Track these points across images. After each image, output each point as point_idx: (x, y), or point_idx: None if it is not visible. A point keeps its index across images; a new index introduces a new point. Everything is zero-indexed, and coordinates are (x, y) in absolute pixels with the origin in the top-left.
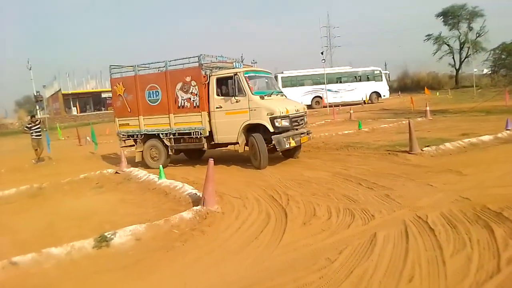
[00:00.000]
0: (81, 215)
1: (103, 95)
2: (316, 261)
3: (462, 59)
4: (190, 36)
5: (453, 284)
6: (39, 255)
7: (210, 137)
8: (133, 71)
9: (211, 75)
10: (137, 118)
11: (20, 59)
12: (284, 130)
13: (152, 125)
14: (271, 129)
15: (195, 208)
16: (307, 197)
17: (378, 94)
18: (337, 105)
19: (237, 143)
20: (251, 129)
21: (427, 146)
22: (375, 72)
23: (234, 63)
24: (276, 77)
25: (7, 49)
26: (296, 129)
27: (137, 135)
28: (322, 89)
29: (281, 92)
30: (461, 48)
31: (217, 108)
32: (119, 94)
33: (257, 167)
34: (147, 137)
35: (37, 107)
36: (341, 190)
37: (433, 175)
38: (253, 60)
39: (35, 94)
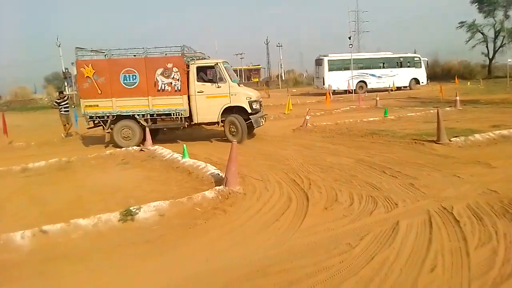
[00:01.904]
0: (107, 189)
1: None
2: (336, 246)
3: (497, 48)
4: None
5: (476, 276)
6: (67, 225)
7: (189, 117)
8: (105, 54)
9: (191, 64)
10: (110, 100)
11: (50, 36)
12: (257, 111)
13: (126, 107)
14: (249, 111)
15: (217, 187)
16: (329, 182)
17: (417, 81)
18: (380, 91)
19: (216, 122)
20: (227, 111)
21: (456, 136)
22: (415, 58)
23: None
24: (321, 60)
25: (38, 25)
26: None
27: (107, 116)
28: (367, 73)
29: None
30: (495, 37)
31: (198, 92)
32: (87, 76)
33: (238, 142)
34: (119, 118)
35: (65, 84)
36: (364, 177)
37: (460, 166)
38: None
39: (64, 71)
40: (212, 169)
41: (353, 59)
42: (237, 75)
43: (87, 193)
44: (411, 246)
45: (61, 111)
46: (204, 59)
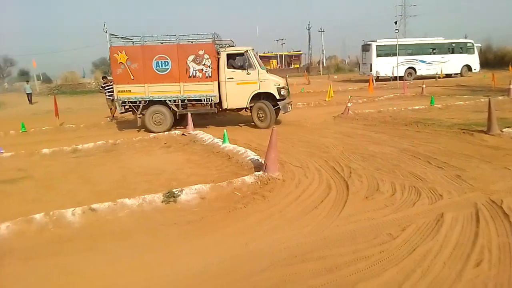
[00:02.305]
0: (151, 171)
1: None
2: (377, 236)
3: None
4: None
5: None
6: (114, 204)
7: (218, 103)
8: (133, 41)
9: (221, 51)
10: (142, 85)
11: (98, 22)
12: (284, 98)
13: (158, 92)
14: (278, 97)
15: (257, 173)
16: (370, 171)
17: (469, 68)
18: (429, 78)
19: (245, 108)
20: (254, 97)
21: (508, 127)
22: (468, 44)
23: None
24: (368, 45)
25: (89, 12)
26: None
27: (140, 101)
28: (416, 59)
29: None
30: None
31: (228, 79)
32: (121, 62)
33: (265, 127)
34: (151, 103)
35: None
36: (408, 167)
37: None
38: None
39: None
40: (251, 154)
41: (402, 44)
42: (277, 61)
43: (132, 174)
44: (456, 239)
45: (106, 95)
46: (232, 46)
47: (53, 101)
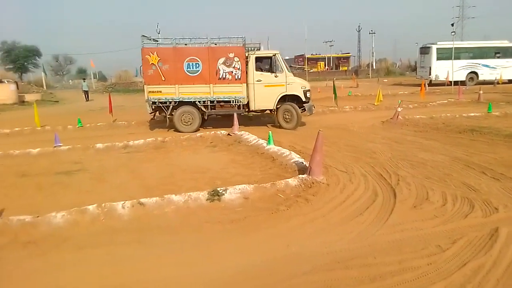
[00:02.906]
0: (197, 169)
1: None
2: (425, 247)
3: None
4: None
5: None
6: (161, 199)
7: (246, 104)
8: (170, 43)
9: (250, 54)
10: (173, 86)
11: (151, 23)
12: (308, 100)
13: (189, 93)
14: (304, 99)
15: (301, 176)
16: (420, 179)
17: None
18: (490, 83)
19: (271, 110)
20: (280, 99)
21: None
22: None
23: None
24: (428, 48)
25: (144, 13)
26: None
27: (170, 102)
28: (479, 64)
29: None
30: None
31: (257, 81)
32: (152, 63)
33: (292, 128)
34: (180, 104)
35: None
36: (461, 177)
37: None
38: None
39: None
40: (296, 157)
41: (464, 47)
42: (325, 63)
43: (179, 171)
44: (511, 256)
45: None
46: (259, 49)
47: (108, 99)
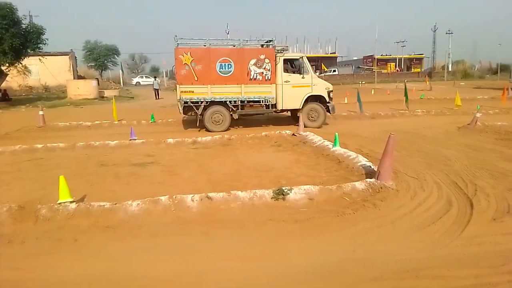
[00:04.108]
0: (261, 167)
1: None
2: (505, 263)
3: None
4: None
5: None
6: (228, 195)
7: (274, 104)
8: (204, 44)
9: (279, 56)
10: (205, 86)
11: (220, 23)
12: (331, 100)
13: (220, 93)
14: (327, 99)
15: (368, 180)
16: (500, 191)
17: None
18: None
19: (299, 109)
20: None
21: None
22: None
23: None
24: None
25: (207, 14)
26: None
27: (201, 101)
28: None
29: None
30: None
31: (285, 82)
32: (185, 63)
33: (316, 127)
34: (211, 104)
35: None
36: None
37: None
38: None
39: None
40: (363, 160)
41: None
42: (395, 64)
43: (245, 169)
44: None
45: None
46: (287, 51)
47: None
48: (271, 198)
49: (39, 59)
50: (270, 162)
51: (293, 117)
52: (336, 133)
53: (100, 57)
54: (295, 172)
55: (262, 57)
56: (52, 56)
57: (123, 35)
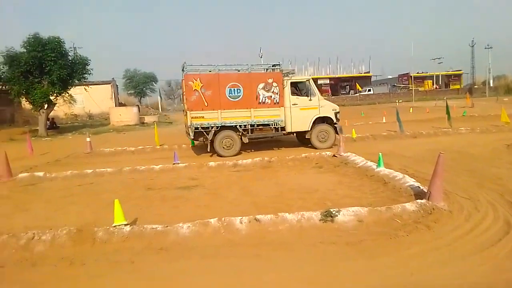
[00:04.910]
0: (304, 189)
1: (319, 82)
2: None
3: None
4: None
5: None
6: (276, 217)
7: (282, 127)
8: (212, 70)
9: (286, 79)
10: (216, 111)
11: (252, 47)
12: (338, 121)
13: (230, 118)
14: (335, 120)
15: (419, 201)
16: None
17: None
18: None
19: (307, 131)
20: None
21: None
22: None
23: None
24: None
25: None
26: None
27: (212, 127)
28: None
29: None
30: None
31: (293, 105)
32: (195, 89)
33: (326, 148)
34: (221, 128)
35: None
36: None
37: None
38: None
39: None
40: (410, 181)
41: None
42: (433, 82)
43: (287, 191)
44: None
45: None
46: (293, 74)
47: None
48: (319, 220)
49: (85, 88)
50: (313, 183)
51: (299, 139)
52: (380, 153)
53: (139, 85)
54: (339, 193)
55: (270, 81)
56: (95, 85)
57: (160, 62)
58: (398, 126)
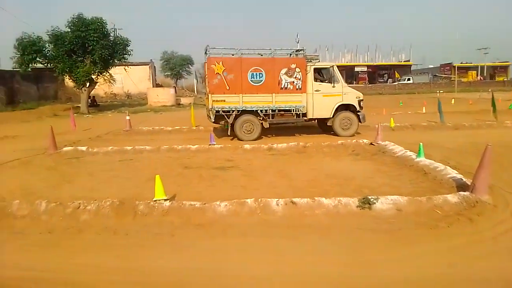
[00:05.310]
0: (341, 175)
1: (356, 69)
2: None
3: None
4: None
5: None
6: (312, 201)
7: (304, 113)
8: (235, 54)
9: (309, 65)
10: (237, 95)
11: (289, 33)
12: (362, 109)
13: (251, 102)
14: (358, 108)
15: (462, 193)
16: None
17: None
18: None
19: (329, 118)
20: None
21: None
22: None
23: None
24: None
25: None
26: None
27: (232, 110)
28: None
29: None
30: None
31: (315, 91)
32: (217, 73)
33: (349, 136)
34: (242, 113)
35: None
36: None
37: None
38: None
39: None
40: (452, 172)
41: None
42: (477, 72)
43: (323, 176)
44: None
45: None
46: (317, 60)
47: None
48: (357, 206)
49: (124, 68)
50: (349, 171)
51: (320, 126)
52: (421, 143)
53: (175, 67)
54: (377, 181)
55: (293, 66)
56: (134, 66)
57: (197, 45)
58: (439, 117)
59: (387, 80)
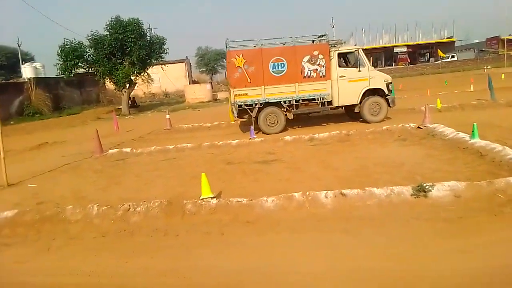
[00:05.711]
0: (389, 163)
1: (395, 50)
2: None
3: None
4: None
5: None
6: (363, 192)
7: (330, 101)
8: (255, 45)
9: (333, 50)
10: (259, 88)
11: (322, 17)
12: (390, 93)
13: (274, 94)
14: (386, 92)
15: None
16: None
17: None
18: None
19: (356, 104)
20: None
21: None
22: None
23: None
24: None
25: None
26: None
27: (255, 103)
28: None
29: None
30: None
31: (340, 77)
32: (238, 66)
33: (378, 121)
34: (265, 105)
35: None
36: None
37: None
38: None
39: None
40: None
41: None
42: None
43: (370, 164)
44: None
45: None
46: (341, 45)
47: None
48: (411, 195)
49: (161, 67)
50: (397, 157)
51: (348, 114)
52: (475, 124)
53: (210, 62)
54: (429, 167)
55: (316, 53)
56: (171, 64)
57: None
58: (490, 94)
59: (429, 59)
